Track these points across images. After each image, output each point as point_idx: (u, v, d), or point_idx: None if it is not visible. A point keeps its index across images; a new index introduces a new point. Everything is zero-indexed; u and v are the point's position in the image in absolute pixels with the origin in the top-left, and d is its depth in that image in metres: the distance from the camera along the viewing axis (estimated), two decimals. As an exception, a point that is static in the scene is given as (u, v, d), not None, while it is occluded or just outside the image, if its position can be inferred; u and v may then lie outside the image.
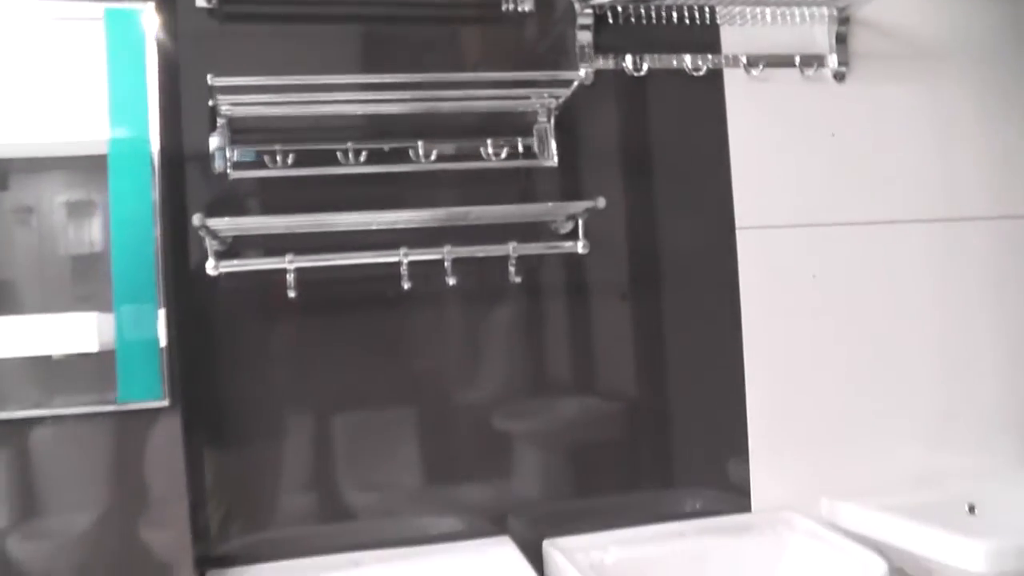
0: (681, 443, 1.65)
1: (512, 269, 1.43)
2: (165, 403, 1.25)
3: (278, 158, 1.35)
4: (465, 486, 1.52)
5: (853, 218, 1.73)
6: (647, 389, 1.64)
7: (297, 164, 1.36)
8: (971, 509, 1.66)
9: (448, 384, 1.50)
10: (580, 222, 1.46)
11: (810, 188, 1.71)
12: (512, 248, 1.42)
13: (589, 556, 1.46)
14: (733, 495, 1.66)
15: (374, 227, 1.36)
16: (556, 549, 1.50)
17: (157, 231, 1.25)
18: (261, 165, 1.35)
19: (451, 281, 1.36)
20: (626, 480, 1.63)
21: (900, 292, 1.76)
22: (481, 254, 1.41)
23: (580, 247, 1.46)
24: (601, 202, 1.39)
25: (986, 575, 1.37)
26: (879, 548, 1.45)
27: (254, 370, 1.40)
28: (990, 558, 1.36)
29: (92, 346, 1.18)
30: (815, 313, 1.71)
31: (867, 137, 1.74)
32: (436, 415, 1.49)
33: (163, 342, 1.25)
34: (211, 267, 1.27)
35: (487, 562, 1.41)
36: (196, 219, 1.20)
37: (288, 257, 1.30)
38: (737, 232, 1.66)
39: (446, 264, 1.37)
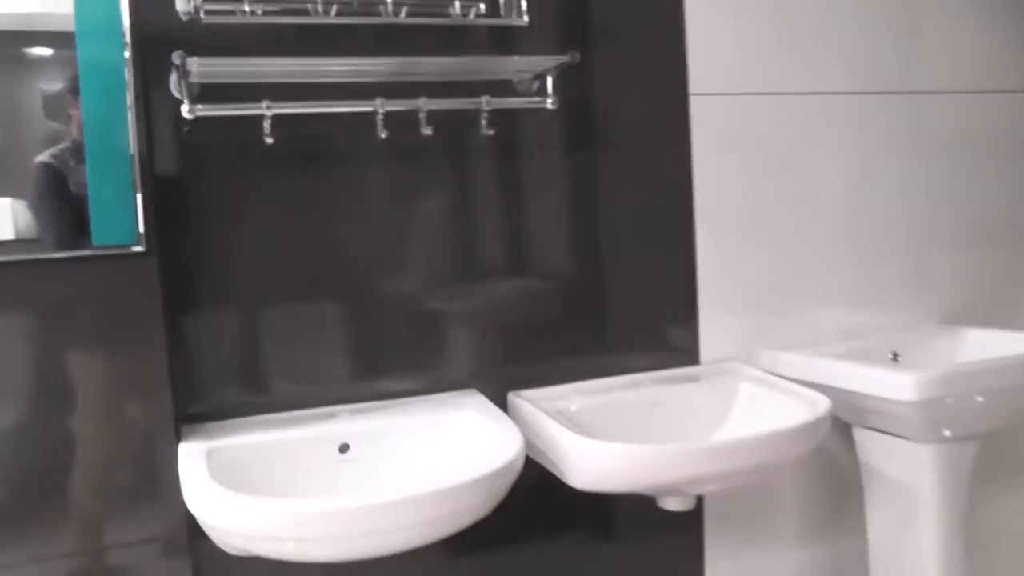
0: (634, 306, 1.72)
1: (484, 122, 1.44)
2: (141, 248, 1.22)
3: (247, 7, 1.30)
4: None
5: (799, 88, 1.81)
6: (601, 256, 1.69)
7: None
8: (894, 356, 1.82)
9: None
10: (549, 80, 1.48)
11: (762, 57, 1.78)
12: (485, 101, 1.43)
13: (555, 404, 1.53)
14: (682, 356, 1.75)
15: (350, 73, 1.35)
16: (521, 399, 1.56)
17: (129, 74, 1.21)
18: (230, 13, 1.30)
19: (427, 131, 1.37)
20: (582, 343, 1.69)
21: (835, 161, 1.88)
22: (455, 106, 1.42)
23: (549, 103, 1.48)
24: (576, 56, 1.41)
25: (914, 401, 1.52)
26: (819, 389, 1.57)
27: (229, 224, 1.38)
28: (918, 387, 1.51)
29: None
30: (760, 180, 1.80)
31: (819, 9, 1.81)
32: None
33: (138, 188, 1.21)
34: (186, 110, 1.24)
35: (462, 410, 1.46)
36: (176, 56, 1.16)
37: (265, 103, 1.28)
38: (690, 99, 1.72)
39: (421, 115, 1.37)
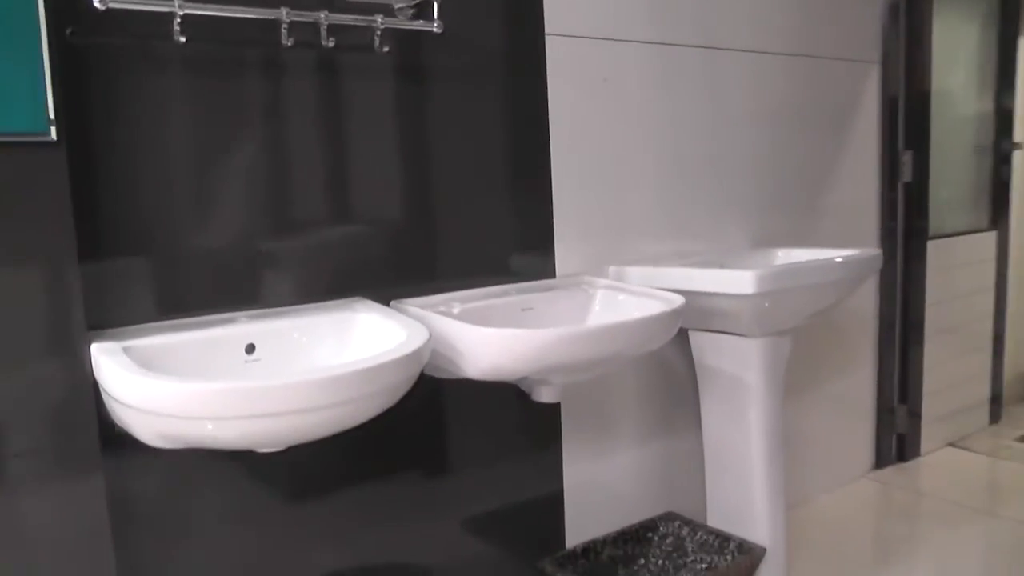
0: (496, 231, 1.85)
1: (377, 40, 1.53)
2: (52, 138, 1.17)
3: None
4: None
5: (652, 37, 2.05)
6: (459, 187, 1.79)
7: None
8: (722, 267, 2.09)
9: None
10: (435, 5, 1.58)
11: (619, 5, 1.99)
12: (380, 20, 1.51)
13: (437, 308, 1.64)
14: (541, 275, 1.93)
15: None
16: (405, 304, 1.66)
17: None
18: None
19: (330, 43, 1.44)
20: (450, 265, 1.80)
21: (675, 108, 2.13)
22: (352, 22, 1.49)
23: (435, 27, 1.59)
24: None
25: (753, 294, 1.77)
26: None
27: (136, 117, 1.37)
28: (756, 281, 1.77)
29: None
30: (606, 118, 2.00)
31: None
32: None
33: (47, 75, 1.17)
34: (98, 1, 1.23)
35: (359, 312, 1.53)
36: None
37: (177, 2, 1.30)
38: (546, 38, 1.87)
39: (322, 28, 1.44)
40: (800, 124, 2.46)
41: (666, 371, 2.22)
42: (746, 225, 2.35)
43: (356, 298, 1.64)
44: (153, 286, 1.41)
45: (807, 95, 2.48)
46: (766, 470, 2.06)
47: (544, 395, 1.73)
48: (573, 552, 2.02)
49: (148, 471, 1.41)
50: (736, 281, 1.79)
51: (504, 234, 1.85)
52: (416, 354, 1.30)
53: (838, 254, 2.04)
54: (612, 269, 2.03)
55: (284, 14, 1.39)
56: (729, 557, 2.01)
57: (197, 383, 1.14)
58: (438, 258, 1.76)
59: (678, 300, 1.70)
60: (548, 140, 1.90)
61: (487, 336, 1.47)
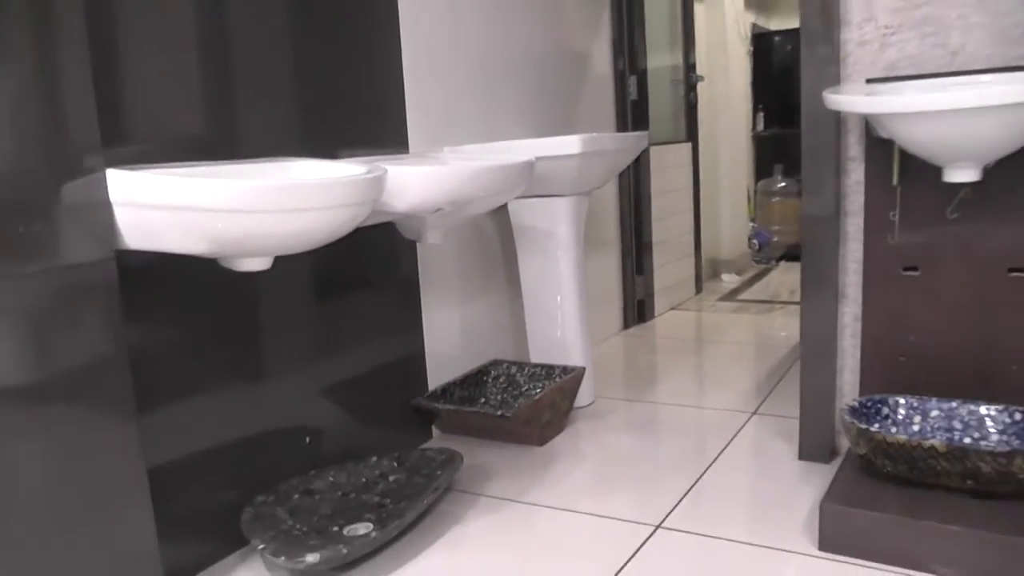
0: (362, 113, 2.22)
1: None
2: None
3: None
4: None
5: None
6: (348, 83, 2.14)
7: None
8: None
9: None
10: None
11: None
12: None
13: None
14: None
15: None
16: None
17: None
18: None
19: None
20: (322, 141, 2.13)
21: (489, 28, 2.60)
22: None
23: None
24: None
25: (580, 153, 2.32)
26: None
27: None
28: (581, 143, 2.32)
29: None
30: (441, 38, 2.43)
31: None
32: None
33: None
34: None
35: (307, 160, 1.82)
36: None
37: None
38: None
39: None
40: (561, 54, 3.06)
41: (486, 240, 2.71)
42: (530, 125, 2.90)
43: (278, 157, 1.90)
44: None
45: (565, 25, 3.08)
46: (577, 306, 2.63)
47: (431, 238, 2.14)
48: (435, 393, 2.44)
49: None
50: (565, 144, 2.33)
51: (378, 120, 2.21)
52: (383, 177, 1.66)
53: (615, 135, 2.65)
54: (447, 148, 2.46)
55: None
56: (558, 379, 2.54)
57: (221, 180, 1.37)
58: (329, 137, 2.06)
59: (531, 156, 2.19)
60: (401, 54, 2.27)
61: (423, 173, 1.84)
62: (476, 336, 2.68)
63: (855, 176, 1.94)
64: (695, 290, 4.30)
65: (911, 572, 1.54)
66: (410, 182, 1.84)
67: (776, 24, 5.70)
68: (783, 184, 5.19)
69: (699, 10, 4.36)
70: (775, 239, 5.09)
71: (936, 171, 1.67)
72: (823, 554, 1.64)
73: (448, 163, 2.16)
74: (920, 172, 1.78)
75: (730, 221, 4.86)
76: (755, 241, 5.07)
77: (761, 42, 5.37)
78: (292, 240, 1.56)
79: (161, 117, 1.65)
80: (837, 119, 1.90)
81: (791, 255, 5.05)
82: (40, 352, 1.25)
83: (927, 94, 1.61)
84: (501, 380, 2.63)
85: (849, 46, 1.91)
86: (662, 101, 3.92)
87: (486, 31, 2.61)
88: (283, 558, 1.60)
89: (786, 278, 4.71)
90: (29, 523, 1.25)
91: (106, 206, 1.36)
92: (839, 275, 1.99)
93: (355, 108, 2.12)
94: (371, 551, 1.73)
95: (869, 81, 1.86)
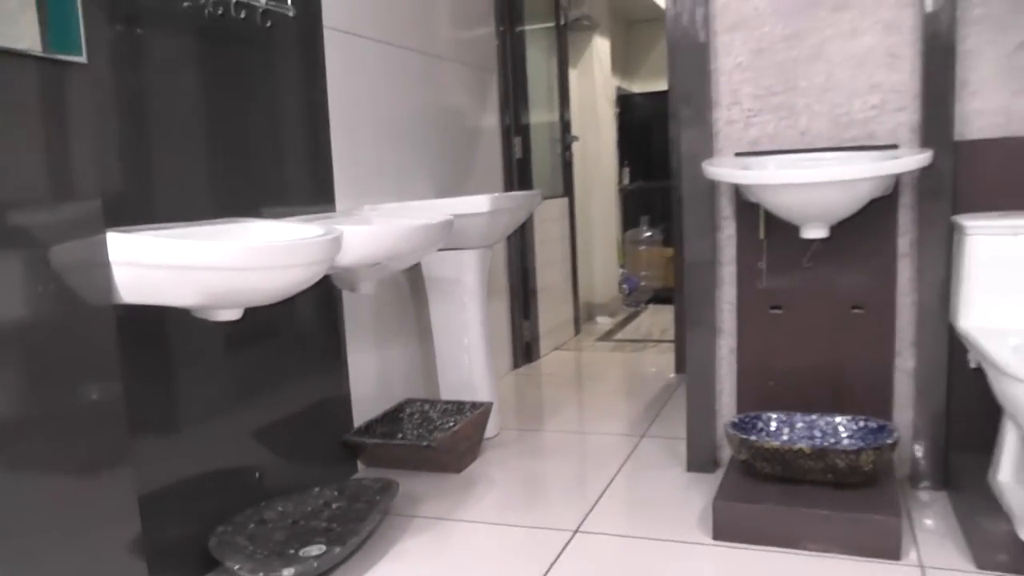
0: (295, 177, 2.45)
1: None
2: (83, 60, 1.46)
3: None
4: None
5: (377, 36, 2.77)
6: (278, 145, 2.38)
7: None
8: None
9: None
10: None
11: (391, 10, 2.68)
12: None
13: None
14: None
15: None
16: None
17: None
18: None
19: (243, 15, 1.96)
20: (263, 198, 2.36)
21: (393, 94, 2.89)
22: None
23: (290, 12, 2.18)
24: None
25: (488, 211, 2.63)
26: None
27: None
28: (490, 202, 2.63)
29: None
30: (357, 102, 2.70)
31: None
32: None
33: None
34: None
35: (262, 221, 2.05)
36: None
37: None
38: (324, 31, 2.52)
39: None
40: (455, 117, 3.39)
41: (399, 290, 2.97)
42: (430, 182, 3.20)
43: (230, 218, 2.11)
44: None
45: (460, 90, 3.41)
46: (483, 347, 2.93)
47: (364, 288, 2.38)
48: (359, 429, 2.67)
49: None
50: (476, 203, 2.63)
51: (313, 180, 2.45)
52: (342, 236, 1.91)
53: (517, 193, 2.99)
54: (367, 207, 2.72)
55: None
56: (468, 413, 2.81)
57: (216, 242, 1.62)
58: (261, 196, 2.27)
59: (449, 214, 2.48)
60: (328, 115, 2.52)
61: (367, 232, 2.09)
62: (391, 377, 2.91)
63: (728, 231, 2.34)
64: (574, 331, 4.68)
65: (788, 550, 1.91)
66: (355, 240, 2.09)
67: (638, 87, 6.26)
68: (649, 233, 5.70)
69: (572, 75, 4.80)
70: (643, 283, 5.58)
71: (794, 228, 2.09)
72: (718, 542, 1.98)
73: (374, 221, 2.42)
74: (781, 229, 2.20)
75: (602, 268, 5.29)
76: (625, 286, 5.53)
77: (625, 103, 5.90)
78: (268, 294, 1.78)
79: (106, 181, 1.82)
80: (712, 185, 2.30)
81: (658, 298, 5.54)
82: (47, 389, 1.43)
83: (786, 170, 2.02)
84: (416, 416, 2.88)
85: (720, 124, 2.31)
86: (542, 159, 4.30)
87: (390, 95, 2.89)
88: (261, 574, 1.79)
89: (655, 319, 5.17)
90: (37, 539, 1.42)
91: (106, 266, 1.55)
92: (716, 314, 2.38)
93: (292, 169, 2.35)
94: (327, 569, 1.94)
95: (738, 154, 2.27)
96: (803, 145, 2.21)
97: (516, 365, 4.01)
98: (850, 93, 2.16)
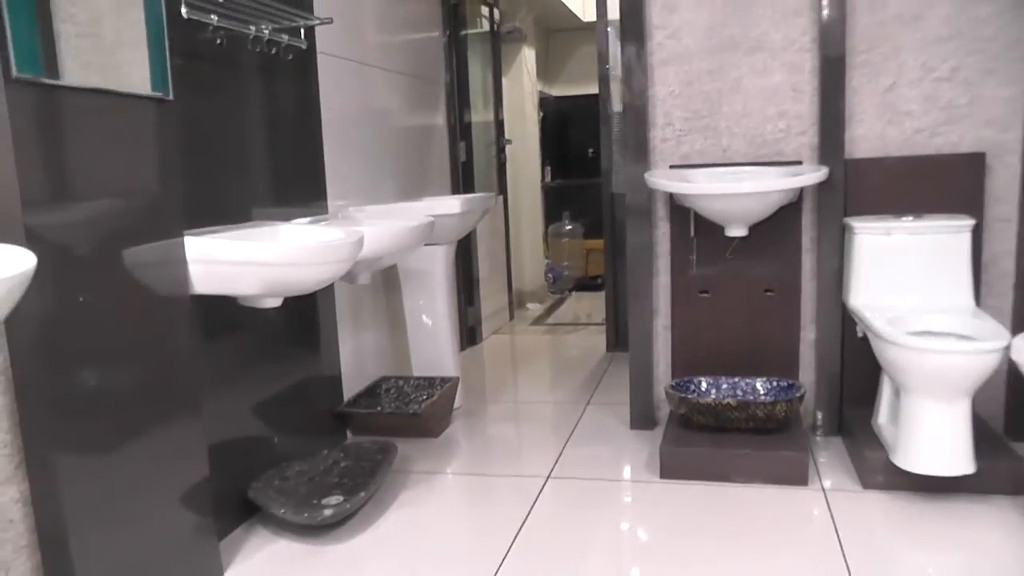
0: (293, 184, 2.83)
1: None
2: (170, 97, 1.87)
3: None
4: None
5: (349, 56, 3.15)
6: (284, 158, 2.76)
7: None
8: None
9: None
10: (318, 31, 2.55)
11: (367, 35, 3.06)
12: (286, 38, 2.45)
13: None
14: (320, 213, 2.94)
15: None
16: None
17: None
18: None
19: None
20: (263, 202, 2.73)
21: (372, 109, 3.28)
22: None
23: (303, 45, 2.55)
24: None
25: (458, 212, 3.06)
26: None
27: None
28: (460, 203, 3.06)
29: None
30: (355, 113, 3.09)
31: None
32: None
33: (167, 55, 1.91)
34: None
35: (286, 224, 2.44)
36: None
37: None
38: (318, 55, 2.90)
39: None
40: (408, 121, 3.79)
41: (375, 281, 3.37)
42: (393, 185, 3.60)
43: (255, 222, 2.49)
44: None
45: (414, 100, 3.82)
46: (449, 329, 3.36)
47: (362, 279, 2.79)
48: (349, 402, 3.06)
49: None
50: (449, 205, 3.06)
51: (305, 187, 2.82)
52: (363, 239, 2.31)
53: (478, 195, 3.43)
54: (352, 209, 3.12)
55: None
56: (439, 387, 3.23)
57: (278, 243, 2.03)
58: (274, 201, 2.64)
59: (430, 217, 2.90)
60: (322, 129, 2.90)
61: (372, 232, 2.49)
62: (367, 357, 3.31)
63: (663, 229, 2.85)
64: (509, 317, 5.15)
65: (721, 483, 2.43)
66: (369, 237, 2.50)
67: (557, 91, 6.76)
68: (570, 227, 6.22)
69: (505, 82, 5.25)
70: (566, 273, 6.10)
71: (719, 227, 2.61)
72: (664, 480, 2.49)
73: (363, 223, 2.82)
74: (708, 228, 2.72)
75: (530, 259, 5.79)
76: (550, 275, 6.04)
77: (545, 106, 6.39)
78: (308, 285, 2.16)
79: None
80: (650, 191, 2.80)
81: (580, 286, 6.07)
82: (144, 359, 1.82)
83: (712, 182, 2.53)
84: (392, 391, 3.28)
85: (655, 141, 2.81)
86: (480, 160, 4.74)
87: (360, 108, 3.28)
88: (306, 514, 2.20)
89: (580, 304, 5.70)
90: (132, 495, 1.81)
91: (183, 263, 1.94)
92: (653, 298, 2.89)
93: (297, 177, 2.73)
94: (355, 510, 2.34)
95: (672, 167, 2.78)
96: (725, 160, 2.74)
97: (462, 348, 4.45)
98: (762, 119, 2.70)
